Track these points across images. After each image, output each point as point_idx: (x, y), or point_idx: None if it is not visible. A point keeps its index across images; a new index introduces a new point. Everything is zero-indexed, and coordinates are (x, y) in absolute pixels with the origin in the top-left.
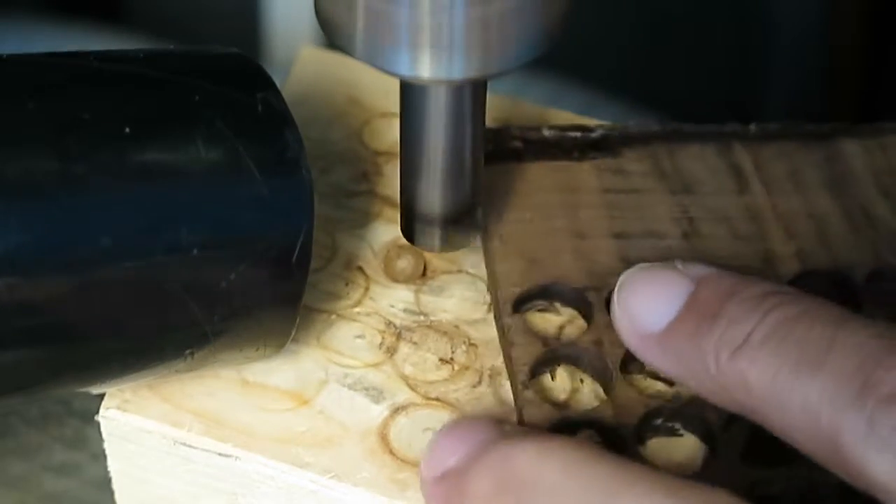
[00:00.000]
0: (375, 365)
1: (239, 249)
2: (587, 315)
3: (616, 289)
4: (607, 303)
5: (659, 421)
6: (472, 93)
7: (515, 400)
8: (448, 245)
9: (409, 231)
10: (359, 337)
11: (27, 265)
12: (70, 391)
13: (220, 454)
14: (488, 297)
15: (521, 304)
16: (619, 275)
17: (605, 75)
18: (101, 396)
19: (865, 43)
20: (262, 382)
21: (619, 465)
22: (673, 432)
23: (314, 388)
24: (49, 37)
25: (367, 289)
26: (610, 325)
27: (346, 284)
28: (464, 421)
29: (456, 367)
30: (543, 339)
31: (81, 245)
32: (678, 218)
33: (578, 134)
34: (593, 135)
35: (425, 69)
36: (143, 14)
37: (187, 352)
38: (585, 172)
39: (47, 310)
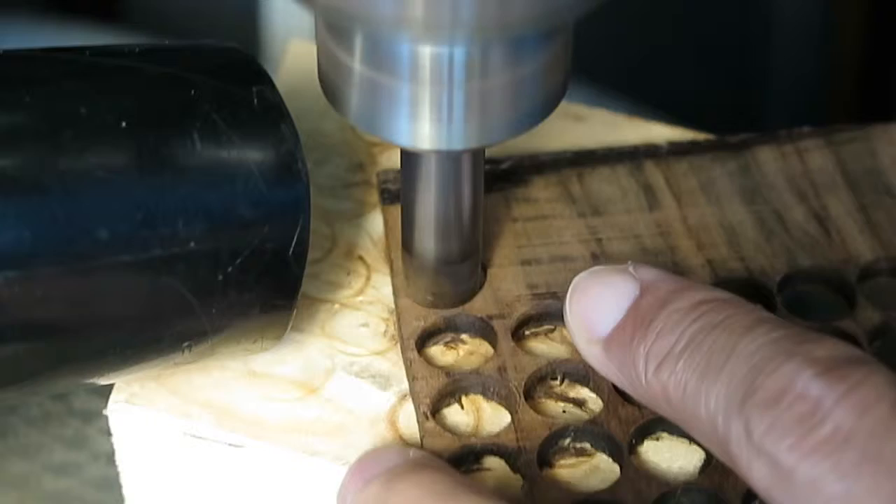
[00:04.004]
0: (381, 352)
1: (236, 242)
2: (493, 343)
3: (569, 291)
4: (513, 330)
5: (567, 441)
6: (471, 159)
7: (419, 431)
8: (444, 302)
9: (408, 283)
10: (363, 325)
11: (24, 259)
12: (68, 384)
13: (229, 444)
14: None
15: (428, 337)
16: (523, 301)
17: (606, 74)
18: (103, 396)
19: (866, 43)
20: (269, 372)
21: (448, 501)
22: (583, 453)
23: (321, 376)
24: (49, 36)
25: (368, 277)
26: (514, 352)
27: (348, 274)
28: (366, 454)
29: (461, 353)
30: (447, 371)
31: (78, 239)
32: (587, 240)
33: (487, 166)
34: (502, 166)
35: (425, 140)
36: (143, 13)
37: (185, 344)
38: (495, 203)
39: (44, 303)
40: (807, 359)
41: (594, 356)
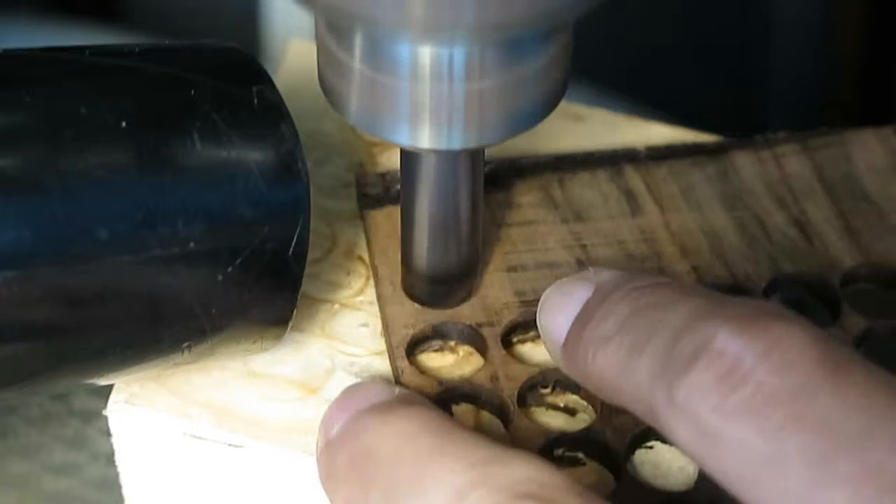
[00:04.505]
0: (381, 353)
1: (236, 242)
2: (482, 351)
3: (538, 307)
4: (502, 337)
5: (560, 451)
6: (471, 159)
7: None
8: (442, 302)
9: (406, 283)
10: (363, 325)
11: (24, 259)
12: (68, 384)
13: (229, 445)
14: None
15: (416, 345)
16: (511, 309)
17: (606, 74)
18: (103, 396)
19: (866, 43)
20: (269, 373)
21: (441, 437)
22: (576, 462)
23: (321, 377)
24: (49, 36)
25: (368, 277)
26: (505, 360)
27: (348, 274)
28: (351, 387)
29: (461, 353)
30: (439, 380)
31: (78, 239)
32: (571, 246)
33: None
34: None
35: (424, 140)
36: (143, 13)
37: (185, 345)
38: None
39: (44, 303)
40: (723, 318)
41: (561, 362)
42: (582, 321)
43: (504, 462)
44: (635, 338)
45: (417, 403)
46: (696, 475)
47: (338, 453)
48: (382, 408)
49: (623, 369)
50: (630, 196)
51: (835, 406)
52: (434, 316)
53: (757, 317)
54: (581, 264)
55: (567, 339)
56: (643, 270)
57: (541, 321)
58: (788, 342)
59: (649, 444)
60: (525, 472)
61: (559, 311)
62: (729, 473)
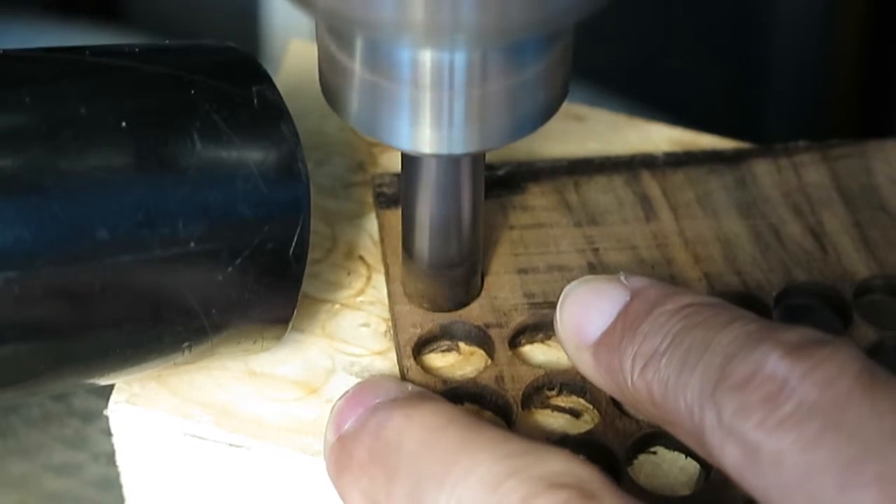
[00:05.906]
0: (381, 353)
1: (236, 242)
2: (489, 352)
3: (560, 299)
4: (510, 339)
5: None
6: (471, 163)
7: None
8: (443, 305)
9: (406, 286)
10: (363, 325)
11: (24, 259)
12: (68, 385)
13: (230, 445)
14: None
15: (424, 345)
16: (520, 310)
17: (606, 74)
18: (103, 396)
19: (866, 43)
20: (269, 373)
21: (469, 431)
22: None
23: (322, 377)
24: (49, 36)
25: (369, 278)
26: (511, 361)
27: (349, 274)
28: (363, 383)
29: (461, 353)
30: (444, 379)
31: (78, 239)
32: (583, 249)
33: (484, 173)
34: (499, 173)
35: (425, 144)
36: (143, 13)
37: (185, 345)
38: (491, 210)
39: (44, 304)
40: (776, 343)
41: (584, 362)
42: (623, 327)
43: (538, 454)
44: (685, 356)
45: (439, 399)
46: (696, 482)
47: (354, 447)
48: (403, 402)
49: (672, 388)
50: (645, 201)
51: (867, 414)
52: (442, 316)
53: (805, 342)
54: (592, 268)
55: (602, 341)
56: (654, 276)
57: (565, 315)
58: (832, 362)
59: (652, 449)
60: (560, 465)
61: (592, 307)
62: (769, 489)
